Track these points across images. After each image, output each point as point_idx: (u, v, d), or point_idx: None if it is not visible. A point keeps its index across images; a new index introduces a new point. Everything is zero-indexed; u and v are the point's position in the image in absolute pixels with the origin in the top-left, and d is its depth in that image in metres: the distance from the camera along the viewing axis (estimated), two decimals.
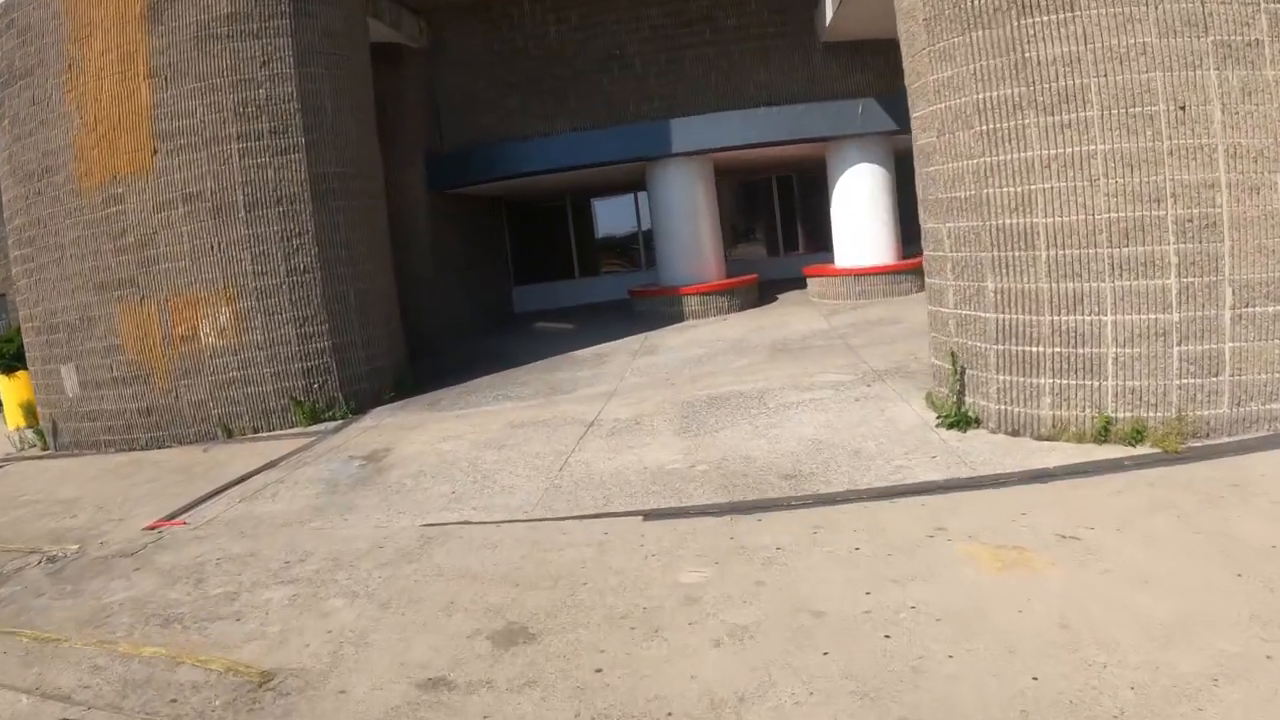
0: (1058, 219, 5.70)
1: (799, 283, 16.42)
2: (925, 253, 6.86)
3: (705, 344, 11.93)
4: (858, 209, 14.72)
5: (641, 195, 18.60)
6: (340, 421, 9.72)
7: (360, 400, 10.18)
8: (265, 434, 9.59)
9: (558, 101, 15.71)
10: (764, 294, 15.86)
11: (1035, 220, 5.77)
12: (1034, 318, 5.88)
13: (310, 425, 9.68)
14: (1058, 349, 5.83)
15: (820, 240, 19.04)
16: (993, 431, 6.21)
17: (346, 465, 7.73)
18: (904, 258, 15.05)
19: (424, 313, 14.77)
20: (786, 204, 19.91)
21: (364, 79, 11.19)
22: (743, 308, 14.79)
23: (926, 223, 6.67)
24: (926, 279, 6.95)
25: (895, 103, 14.31)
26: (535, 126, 15.77)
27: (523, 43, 15.86)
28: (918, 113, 6.59)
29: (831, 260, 15.61)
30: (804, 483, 5.56)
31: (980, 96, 5.90)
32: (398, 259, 13.97)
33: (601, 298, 19.44)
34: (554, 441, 7.48)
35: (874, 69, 14.50)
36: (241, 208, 9.71)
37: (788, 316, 13.47)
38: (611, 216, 20.67)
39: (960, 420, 6.34)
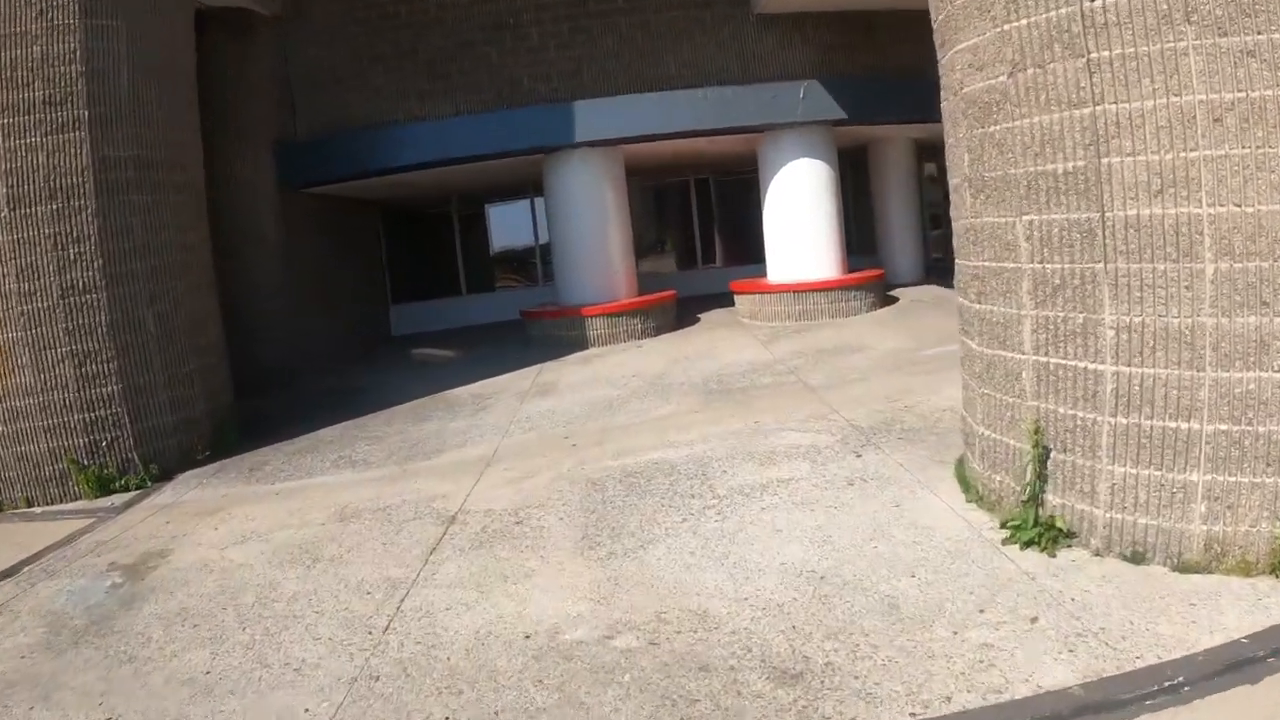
0: (1234, 209, 3.36)
1: (722, 300, 14.07)
2: (969, 262, 4.46)
3: (616, 381, 9.40)
4: (798, 213, 12.42)
5: (540, 200, 15.96)
6: (135, 493, 7.06)
7: (165, 461, 7.48)
8: (41, 509, 6.88)
9: (437, 79, 12.95)
10: (682, 314, 13.42)
11: (1195, 210, 3.42)
12: (1187, 373, 3.51)
13: (98, 497, 7.03)
14: (1223, 425, 3.48)
15: (744, 251, 16.79)
16: (1099, 554, 3.82)
17: (97, 584, 4.95)
18: (849, 271, 12.86)
19: (272, 339, 11.93)
20: (705, 210, 17.60)
21: (180, 39, 8.46)
22: (659, 331, 12.32)
23: (980, 215, 4.25)
24: (971, 303, 4.53)
25: (842, 86, 12.10)
26: (409, 109, 12.98)
27: (395, 7, 13.09)
28: (966, 42, 4.17)
29: (762, 273, 13.28)
30: (819, 696, 2.98)
31: (1095, 3, 3.54)
32: (237, 272, 11.30)
33: (494, 317, 16.70)
34: (391, 555, 4.81)
35: (818, 45, 12.22)
36: (3, 204, 6.91)
37: (717, 343, 11.05)
38: (504, 224, 18.01)
39: (1044, 533, 3.94)
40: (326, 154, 12.86)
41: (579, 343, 12.00)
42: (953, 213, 4.67)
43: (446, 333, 15.95)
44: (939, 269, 16.42)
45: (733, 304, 13.34)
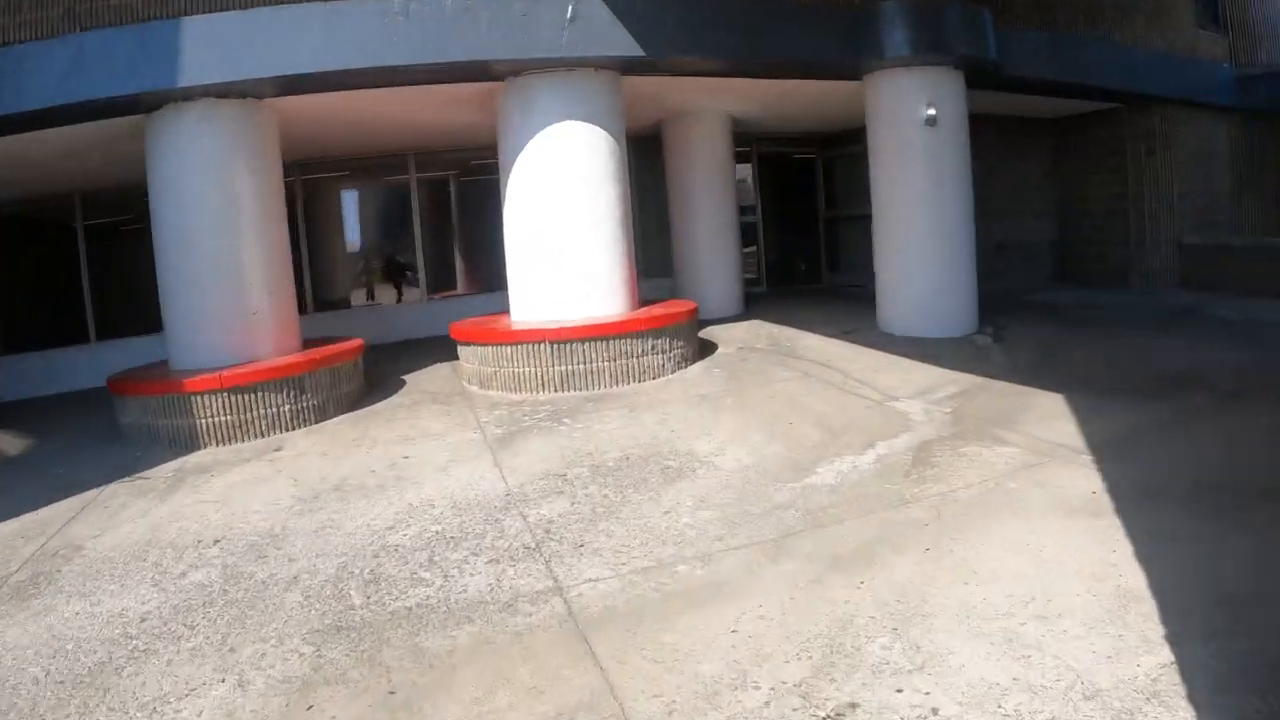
0: None
1: (451, 346, 9.14)
2: None
3: (175, 562, 4.28)
4: (564, 211, 7.73)
5: None
6: None
7: None
8: None
9: None
10: (384, 374, 8.41)
11: None
12: None
13: None
14: None
15: (494, 274, 11.97)
16: None
17: None
18: (643, 304, 8.39)
19: None
20: (436, 215, 12.57)
21: None
22: (325, 413, 7.22)
23: None
24: None
25: (637, 5, 7.63)
26: None
27: None
28: None
29: (507, 308, 8.54)
30: None
31: None
32: None
33: None
34: None
35: None
36: None
37: (411, 445, 6.09)
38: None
39: None
40: None
41: (185, 439, 6.72)
42: None
43: (69, 399, 9.96)
44: (757, 297, 12.27)
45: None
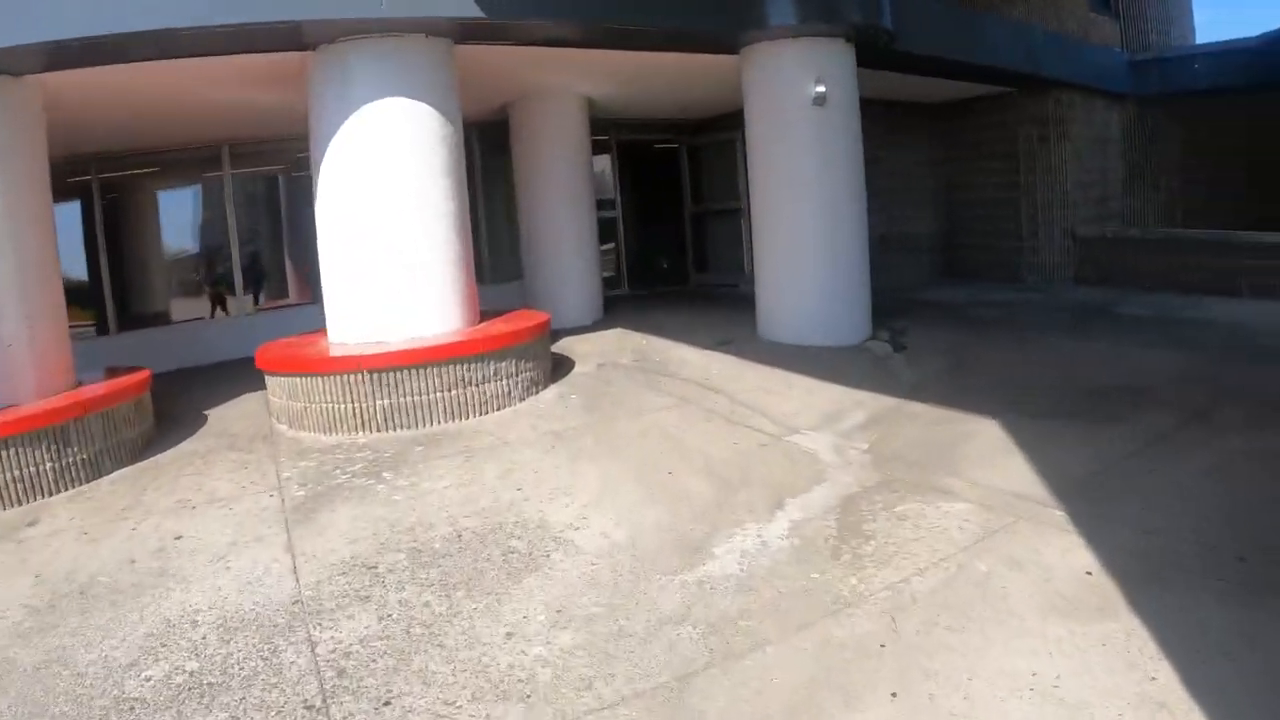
0: None
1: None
2: None
3: None
4: (388, 207, 6.33)
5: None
6: None
7: None
8: None
9: None
10: (179, 409, 6.76)
11: None
12: None
13: None
14: None
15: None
16: None
17: None
18: (484, 318, 7.07)
19: None
20: (259, 216, 10.85)
21: None
22: (96, 472, 5.45)
23: None
24: None
25: None
26: None
27: None
28: None
29: (325, 324, 7.07)
30: None
31: None
32: None
33: None
34: None
35: None
36: None
37: (189, 521, 4.55)
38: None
39: None
40: None
41: None
42: None
43: None
44: (617, 301, 11.05)
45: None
